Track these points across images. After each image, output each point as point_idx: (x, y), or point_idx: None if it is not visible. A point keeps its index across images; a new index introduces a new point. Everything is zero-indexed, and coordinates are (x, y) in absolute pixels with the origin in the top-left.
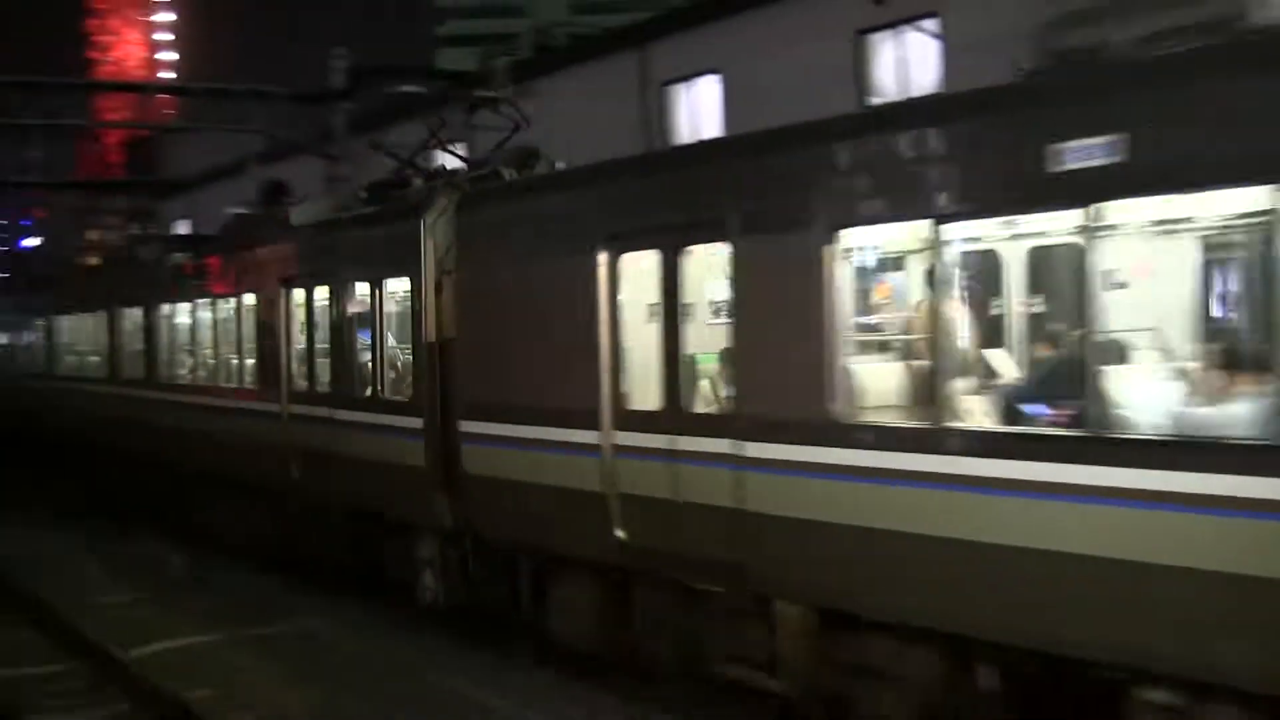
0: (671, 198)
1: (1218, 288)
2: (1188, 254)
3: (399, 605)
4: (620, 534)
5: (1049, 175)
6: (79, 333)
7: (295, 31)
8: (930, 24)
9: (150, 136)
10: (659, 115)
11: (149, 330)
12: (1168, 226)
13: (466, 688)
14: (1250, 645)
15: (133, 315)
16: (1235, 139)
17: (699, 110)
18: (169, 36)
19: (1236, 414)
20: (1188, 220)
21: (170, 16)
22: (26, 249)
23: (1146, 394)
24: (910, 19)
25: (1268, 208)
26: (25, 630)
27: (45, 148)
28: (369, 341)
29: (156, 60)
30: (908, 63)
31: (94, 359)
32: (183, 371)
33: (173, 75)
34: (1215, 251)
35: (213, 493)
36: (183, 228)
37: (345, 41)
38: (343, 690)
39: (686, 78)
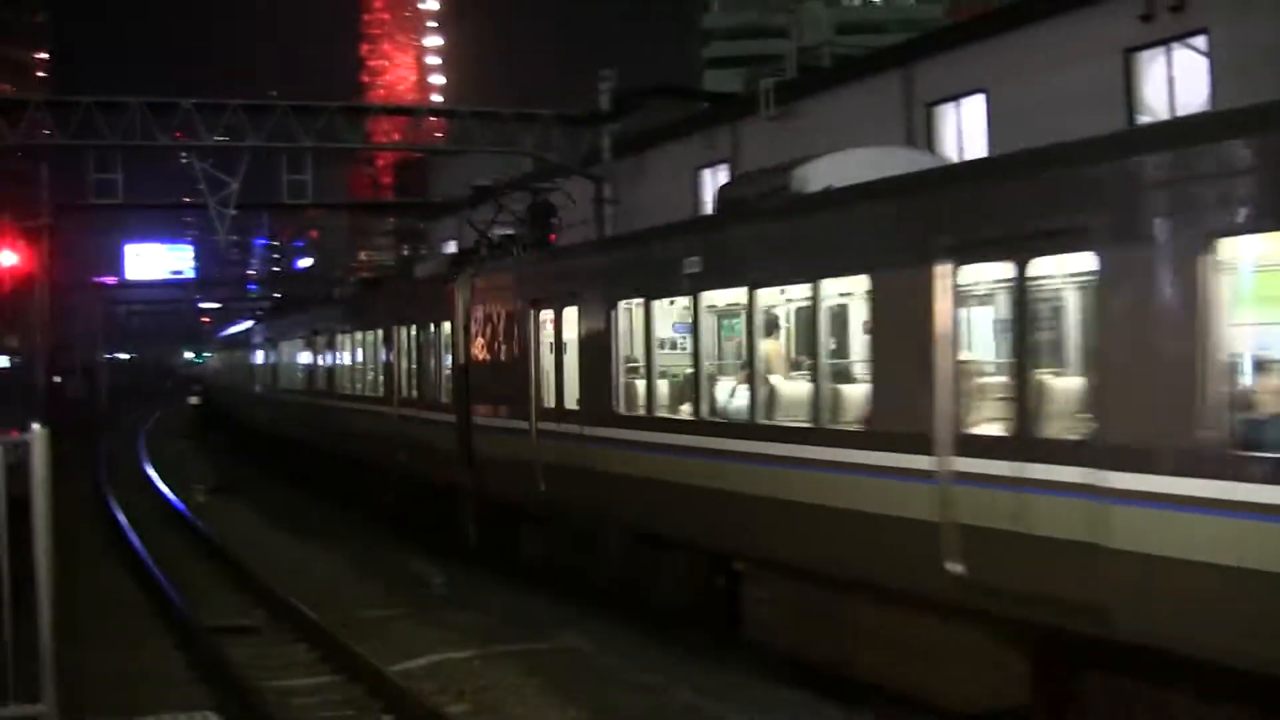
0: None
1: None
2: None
3: (668, 624)
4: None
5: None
6: (353, 352)
7: (562, 54)
8: (1199, 41)
9: (419, 159)
10: (925, 135)
11: (402, 351)
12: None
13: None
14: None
15: (383, 336)
16: (726, 267)
17: (964, 130)
18: (438, 60)
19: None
20: (788, 301)
21: (439, 41)
22: (300, 270)
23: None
24: (1179, 36)
25: (743, 301)
26: (297, 644)
27: (318, 171)
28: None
29: (427, 84)
30: (1176, 81)
31: (361, 378)
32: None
33: (440, 99)
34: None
35: (481, 510)
36: (451, 248)
37: (612, 64)
38: (605, 712)
39: (952, 98)
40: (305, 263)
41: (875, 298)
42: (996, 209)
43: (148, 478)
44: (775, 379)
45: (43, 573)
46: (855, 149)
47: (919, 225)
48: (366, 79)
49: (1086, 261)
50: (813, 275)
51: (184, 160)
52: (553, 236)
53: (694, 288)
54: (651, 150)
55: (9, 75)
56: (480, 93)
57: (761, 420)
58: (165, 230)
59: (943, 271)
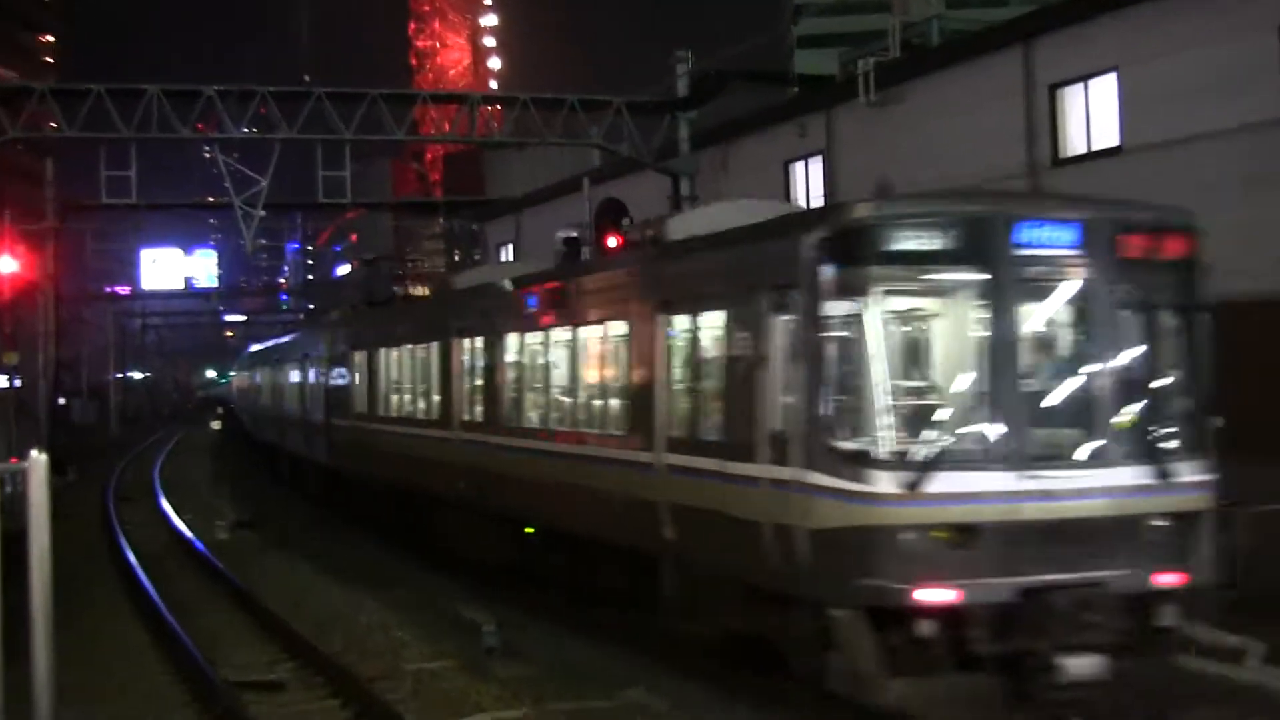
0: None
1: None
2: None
3: (750, 672)
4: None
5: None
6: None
7: (633, 34)
8: None
9: (473, 153)
10: (1049, 120)
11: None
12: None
13: None
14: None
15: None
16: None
17: (1093, 114)
18: (494, 42)
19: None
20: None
21: (495, 19)
22: (339, 278)
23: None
24: None
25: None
26: (328, 701)
27: (358, 166)
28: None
29: (482, 68)
30: None
31: (423, 400)
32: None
33: (496, 85)
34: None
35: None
36: (506, 253)
37: (689, 45)
38: None
39: (1079, 79)
40: (343, 270)
41: (628, 337)
42: (683, 278)
43: (162, 512)
44: (552, 398)
45: (40, 614)
46: (722, 202)
47: (650, 287)
48: (414, 62)
49: (720, 317)
50: (591, 321)
51: (207, 154)
52: (620, 239)
53: (502, 329)
54: (735, 141)
55: (11, 59)
56: (541, 78)
57: (551, 427)
58: (185, 234)
59: (661, 320)
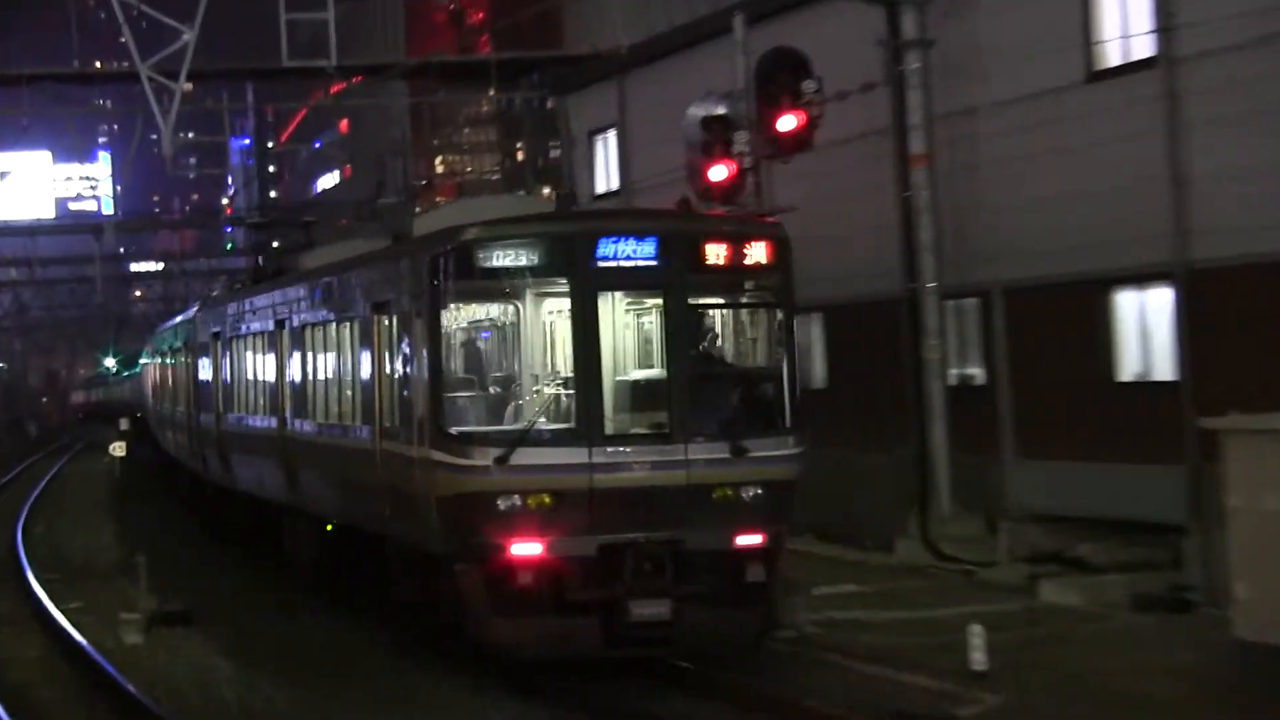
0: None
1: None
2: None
3: None
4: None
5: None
6: None
7: None
8: None
9: None
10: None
11: None
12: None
13: None
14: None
15: None
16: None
17: None
18: None
19: None
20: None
21: None
22: (320, 195)
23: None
24: None
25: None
26: None
27: (350, 6)
28: None
29: None
30: None
31: None
32: None
33: None
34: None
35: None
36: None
37: None
38: None
39: None
40: (327, 181)
41: (372, 327)
42: (373, 286)
43: (32, 599)
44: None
45: None
46: (470, 199)
47: (361, 289)
48: None
49: (394, 321)
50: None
51: None
52: (805, 116)
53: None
54: None
55: None
56: None
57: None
58: (57, 131)
59: (376, 318)
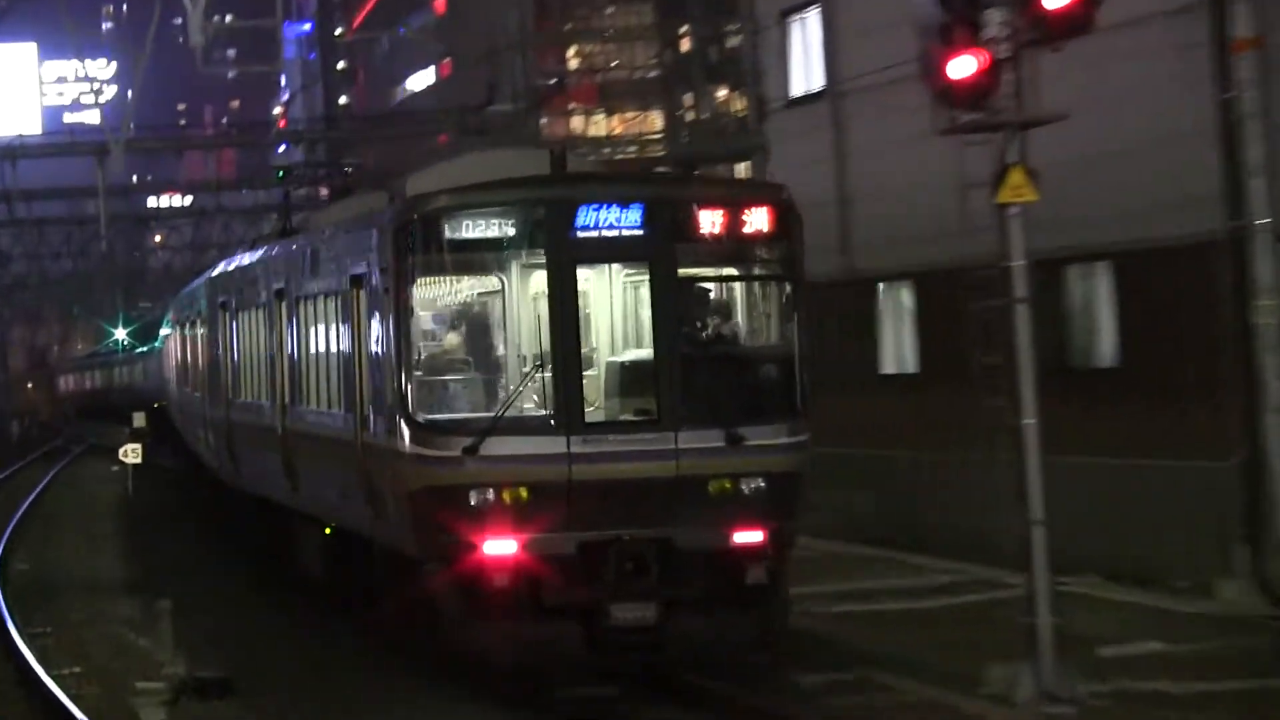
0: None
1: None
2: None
3: None
4: None
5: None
6: None
7: None
8: None
9: None
10: None
11: None
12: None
13: None
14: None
15: None
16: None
17: None
18: None
19: None
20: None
21: None
22: (410, 99)
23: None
24: None
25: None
26: None
27: None
28: None
29: None
30: None
31: None
32: None
33: None
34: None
35: None
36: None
37: None
38: None
39: None
40: (420, 80)
41: (351, 303)
42: (350, 256)
43: (19, 659)
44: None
45: None
46: (469, 155)
47: (341, 260)
48: None
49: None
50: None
51: None
52: None
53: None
54: None
55: None
56: None
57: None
58: (45, 19)
59: (355, 293)
